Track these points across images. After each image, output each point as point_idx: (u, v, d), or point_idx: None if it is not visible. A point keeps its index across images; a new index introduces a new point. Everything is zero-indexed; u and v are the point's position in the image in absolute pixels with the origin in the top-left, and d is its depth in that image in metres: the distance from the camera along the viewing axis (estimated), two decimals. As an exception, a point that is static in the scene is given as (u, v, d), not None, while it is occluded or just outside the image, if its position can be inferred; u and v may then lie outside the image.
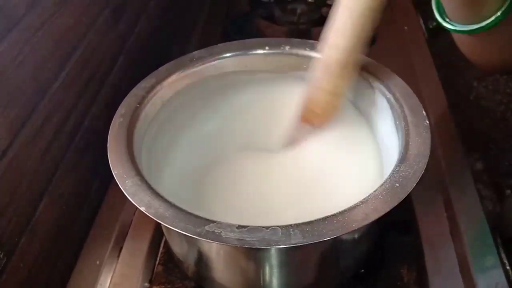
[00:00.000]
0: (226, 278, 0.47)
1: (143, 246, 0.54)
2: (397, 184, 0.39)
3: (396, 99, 0.48)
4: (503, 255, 0.50)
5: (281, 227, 0.36)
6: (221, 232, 0.36)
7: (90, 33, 0.60)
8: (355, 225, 0.36)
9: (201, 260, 0.46)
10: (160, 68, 0.53)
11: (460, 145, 0.62)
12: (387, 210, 0.37)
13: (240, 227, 0.36)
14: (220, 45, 0.56)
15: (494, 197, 0.67)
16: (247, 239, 0.35)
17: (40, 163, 0.50)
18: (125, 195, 0.40)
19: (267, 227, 0.36)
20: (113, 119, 0.47)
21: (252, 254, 0.43)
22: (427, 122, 0.44)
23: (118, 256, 0.53)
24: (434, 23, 0.74)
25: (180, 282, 0.52)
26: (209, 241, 0.36)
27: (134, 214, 0.57)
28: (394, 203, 0.38)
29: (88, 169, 0.60)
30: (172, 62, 0.54)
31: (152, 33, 0.81)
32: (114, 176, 0.41)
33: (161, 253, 0.55)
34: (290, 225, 0.36)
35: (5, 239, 0.44)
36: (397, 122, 0.46)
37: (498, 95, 0.82)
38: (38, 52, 0.50)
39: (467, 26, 0.42)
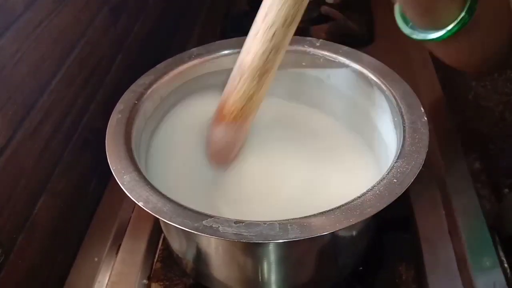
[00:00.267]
0: (224, 274, 0.47)
1: (142, 243, 0.54)
2: (395, 180, 0.39)
3: (395, 96, 0.48)
4: (501, 254, 0.50)
5: (279, 222, 0.36)
6: (218, 227, 0.36)
7: (89, 30, 0.60)
8: (353, 220, 0.36)
9: (200, 257, 0.46)
10: (158, 65, 0.53)
11: (458, 144, 0.62)
12: (385, 205, 0.37)
13: (237, 222, 0.36)
14: (219, 42, 0.56)
15: (492, 196, 0.67)
16: (245, 234, 0.36)
17: (39, 160, 0.50)
18: (123, 192, 0.40)
19: (264, 222, 0.36)
20: (112, 115, 0.47)
21: (249, 249, 0.43)
22: (425, 118, 0.45)
23: (117, 253, 0.53)
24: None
25: (179, 279, 0.52)
26: (207, 235, 0.36)
27: (133, 211, 0.57)
28: (392, 198, 0.38)
29: (87, 167, 0.60)
30: (170, 59, 0.54)
31: (151, 31, 0.82)
32: (112, 172, 0.41)
33: (159, 250, 0.55)
34: (288, 220, 0.36)
35: (4, 236, 0.44)
36: (396, 119, 0.46)
37: (497, 95, 0.82)
38: (37, 50, 0.50)
39: (427, 35, 0.42)
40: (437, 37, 0.41)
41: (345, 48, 0.54)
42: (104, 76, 0.65)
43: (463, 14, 0.39)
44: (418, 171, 0.40)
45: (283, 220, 0.36)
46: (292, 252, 0.44)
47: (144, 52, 0.77)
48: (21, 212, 0.47)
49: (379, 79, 0.50)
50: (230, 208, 0.48)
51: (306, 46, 0.54)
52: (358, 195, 0.38)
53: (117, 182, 0.40)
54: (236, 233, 0.36)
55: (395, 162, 0.41)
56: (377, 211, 0.37)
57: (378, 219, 0.51)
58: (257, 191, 0.50)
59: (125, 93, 0.50)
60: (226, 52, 0.55)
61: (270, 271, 0.44)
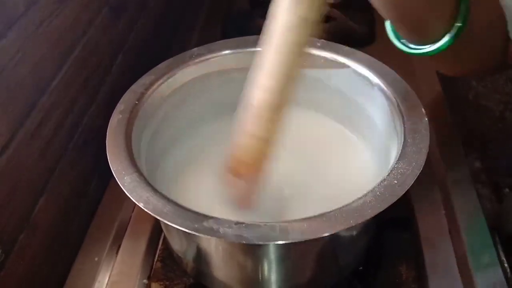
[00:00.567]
0: (224, 274, 0.47)
1: (142, 243, 0.54)
2: (396, 181, 0.39)
3: (395, 97, 0.48)
4: (502, 254, 0.50)
5: (279, 223, 0.36)
6: (219, 228, 0.36)
7: (90, 31, 0.60)
8: (353, 222, 0.36)
9: (200, 257, 0.46)
10: (159, 65, 0.53)
11: (459, 144, 0.62)
12: (385, 207, 0.37)
13: (238, 223, 0.36)
14: (220, 42, 0.56)
15: (492, 196, 0.67)
16: (245, 235, 0.36)
17: (40, 160, 0.50)
18: (124, 192, 0.40)
19: (265, 223, 0.36)
20: (112, 116, 0.47)
21: (250, 250, 0.43)
22: (426, 119, 0.45)
23: (117, 253, 0.53)
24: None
25: (179, 278, 0.52)
26: (207, 237, 0.36)
27: (133, 211, 0.57)
28: (393, 200, 0.38)
29: (87, 167, 0.60)
30: (171, 59, 0.54)
31: (152, 31, 0.82)
32: (113, 172, 0.41)
33: (159, 250, 0.55)
34: (288, 221, 0.36)
35: (5, 236, 0.44)
36: (396, 120, 0.46)
37: (497, 95, 0.83)
38: (37, 50, 0.50)
39: (421, 50, 0.41)
40: (433, 50, 0.40)
41: (346, 48, 0.54)
42: (104, 76, 0.65)
43: (458, 23, 0.38)
44: (419, 172, 0.39)
45: (283, 222, 0.36)
46: (292, 253, 0.44)
47: (145, 52, 0.77)
48: (21, 212, 0.47)
49: (379, 79, 0.50)
50: (230, 209, 0.48)
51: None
52: (359, 196, 0.38)
53: (117, 183, 0.40)
54: (236, 234, 0.36)
55: (395, 163, 0.41)
56: (377, 212, 0.37)
57: (378, 219, 0.51)
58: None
59: (125, 93, 0.50)
60: (227, 52, 0.55)
61: (270, 272, 0.44)
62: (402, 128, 0.44)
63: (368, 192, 0.39)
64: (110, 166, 0.42)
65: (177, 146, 0.54)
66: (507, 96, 0.82)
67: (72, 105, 0.56)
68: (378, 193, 0.38)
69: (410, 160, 0.41)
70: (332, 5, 0.84)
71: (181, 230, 0.36)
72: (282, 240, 0.35)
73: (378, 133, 0.51)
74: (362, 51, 0.53)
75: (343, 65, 0.53)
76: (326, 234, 0.36)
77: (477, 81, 0.84)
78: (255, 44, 0.55)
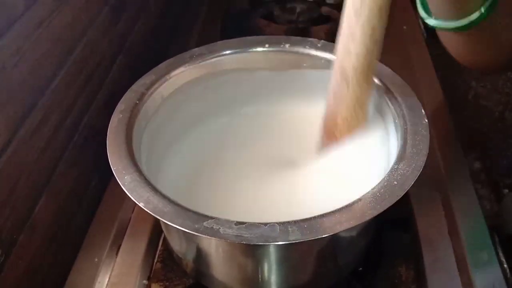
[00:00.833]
0: (224, 275, 0.47)
1: (142, 243, 0.54)
2: (395, 182, 0.39)
3: (396, 98, 0.48)
4: (501, 254, 0.50)
5: (279, 223, 0.36)
6: (219, 228, 0.36)
7: (90, 30, 0.60)
8: (353, 222, 0.36)
9: (200, 257, 0.46)
10: (160, 65, 0.53)
11: (458, 144, 0.62)
12: (385, 207, 0.37)
13: (238, 223, 0.36)
14: (220, 42, 0.56)
15: (492, 196, 0.67)
16: (245, 235, 0.36)
17: (39, 160, 0.50)
18: (124, 192, 0.40)
19: (265, 224, 0.36)
20: (113, 115, 0.47)
21: (250, 250, 0.43)
22: (426, 120, 0.45)
23: (117, 254, 0.53)
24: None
25: (179, 279, 0.52)
26: (207, 237, 0.36)
27: (133, 211, 0.57)
28: (392, 201, 0.38)
29: (87, 166, 0.60)
30: (172, 59, 0.54)
31: (152, 31, 0.82)
32: (113, 172, 0.41)
33: (159, 251, 0.55)
34: (288, 222, 0.36)
35: (4, 236, 0.44)
36: (396, 121, 0.46)
37: (497, 95, 0.83)
38: (37, 49, 0.50)
39: (450, 23, 0.41)
40: (465, 24, 0.39)
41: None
42: (105, 76, 0.65)
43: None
44: (419, 173, 0.40)
45: (283, 222, 0.36)
46: (292, 253, 0.44)
47: (145, 51, 0.77)
48: (21, 212, 0.47)
49: (379, 80, 0.50)
50: (230, 209, 0.48)
51: (307, 47, 0.54)
52: (359, 197, 0.38)
53: (118, 182, 0.40)
54: (236, 235, 0.36)
55: (395, 164, 0.41)
56: (377, 213, 0.37)
57: (378, 220, 0.51)
58: (257, 193, 0.50)
59: (126, 93, 0.50)
60: (228, 52, 0.55)
61: (271, 272, 0.44)
62: (402, 129, 0.44)
63: (368, 193, 0.39)
64: (111, 165, 0.42)
65: (177, 145, 0.54)
66: (506, 96, 0.82)
67: (72, 104, 0.56)
68: (378, 194, 0.38)
69: (410, 161, 0.41)
70: (333, 6, 0.84)
71: (181, 230, 0.36)
72: (282, 241, 0.35)
73: (378, 134, 0.51)
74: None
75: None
76: (326, 235, 0.36)
77: (477, 81, 0.84)
78: (255, 44, 0.56)
